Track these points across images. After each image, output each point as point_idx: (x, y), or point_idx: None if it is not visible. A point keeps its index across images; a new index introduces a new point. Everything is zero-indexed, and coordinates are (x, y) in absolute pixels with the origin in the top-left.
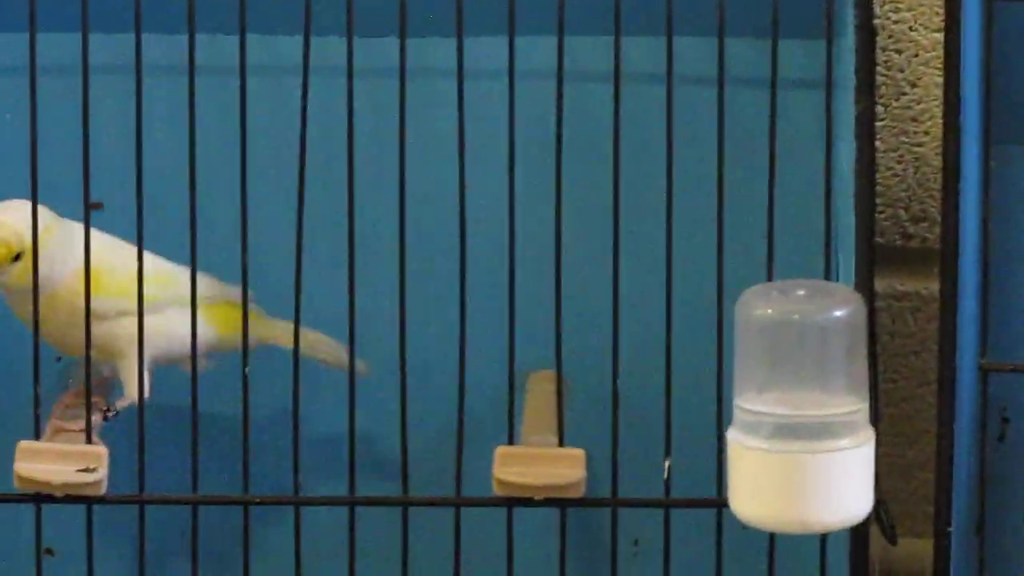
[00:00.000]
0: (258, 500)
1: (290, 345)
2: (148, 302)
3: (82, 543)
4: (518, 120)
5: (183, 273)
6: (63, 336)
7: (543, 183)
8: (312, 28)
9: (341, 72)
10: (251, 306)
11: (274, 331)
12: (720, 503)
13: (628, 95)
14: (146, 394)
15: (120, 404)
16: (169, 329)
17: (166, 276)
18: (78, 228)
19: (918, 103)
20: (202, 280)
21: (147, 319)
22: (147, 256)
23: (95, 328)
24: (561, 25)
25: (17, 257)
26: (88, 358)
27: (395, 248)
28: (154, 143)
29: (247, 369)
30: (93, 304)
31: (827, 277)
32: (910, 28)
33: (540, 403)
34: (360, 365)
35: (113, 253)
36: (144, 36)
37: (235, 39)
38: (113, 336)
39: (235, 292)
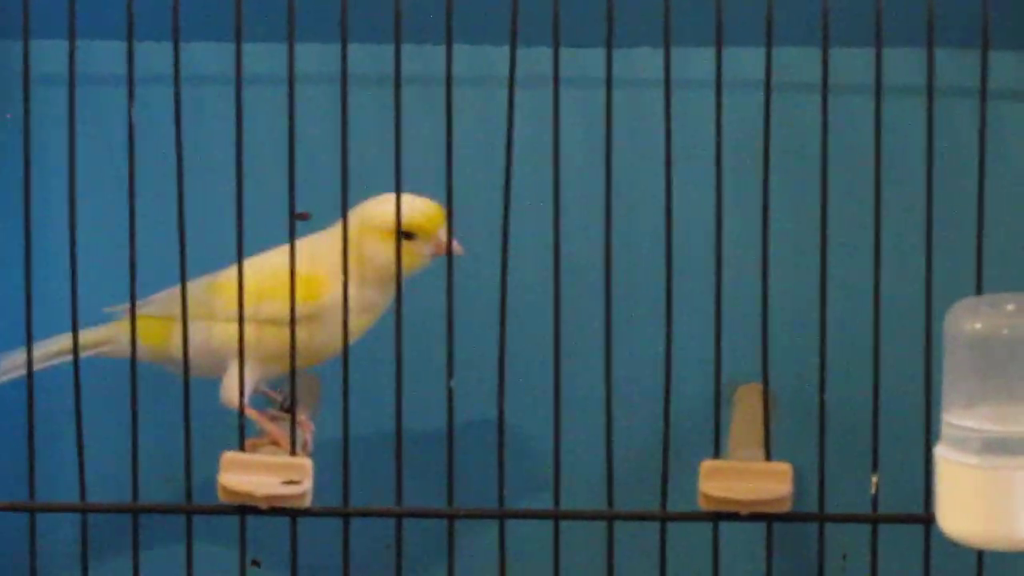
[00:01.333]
0: (463, 513)
1: None
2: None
3: (286, 555)
4: (728, 130)
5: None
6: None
7: (750, 193)
8: (520, 38)
9: (549, 82)
10: None
11: None
12: (928, 519)
13: (837, 105)
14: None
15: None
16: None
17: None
18: None
19: None
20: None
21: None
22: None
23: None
24: (769, 35)
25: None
26: (293, 370)
27: (599, 260)
28: (360, 153)
29: (452, 383)
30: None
31: None
32: None
33: (747, 417)
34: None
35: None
36: (352, 46)
37: (442, 49)
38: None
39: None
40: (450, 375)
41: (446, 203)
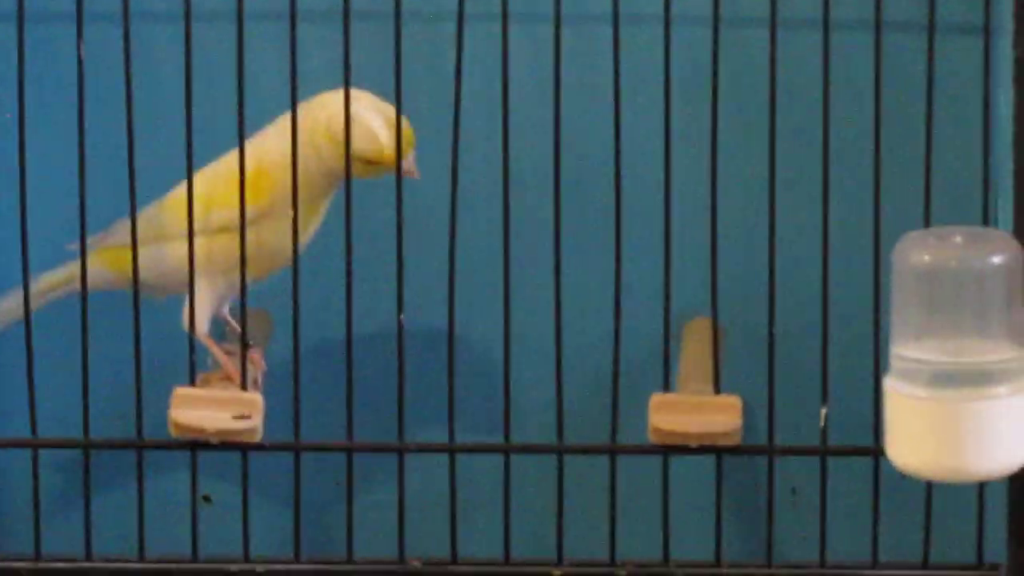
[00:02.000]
0: (413, 447)
1: None
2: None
3: (238, 491)
4: (678, 66)
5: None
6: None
7: (700, 129)
8: None
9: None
10: None
11: None
12: (877, 451)
13: (787, 40)
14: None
15: None
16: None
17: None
18: None
19: None
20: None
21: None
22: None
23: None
24: None
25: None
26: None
27: (550, 193)
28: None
29: (402, 316)
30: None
31: (985, 223)
32: None
33: (697, 351)
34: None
35: None
36: None
37: None
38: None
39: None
40: (400, 310)
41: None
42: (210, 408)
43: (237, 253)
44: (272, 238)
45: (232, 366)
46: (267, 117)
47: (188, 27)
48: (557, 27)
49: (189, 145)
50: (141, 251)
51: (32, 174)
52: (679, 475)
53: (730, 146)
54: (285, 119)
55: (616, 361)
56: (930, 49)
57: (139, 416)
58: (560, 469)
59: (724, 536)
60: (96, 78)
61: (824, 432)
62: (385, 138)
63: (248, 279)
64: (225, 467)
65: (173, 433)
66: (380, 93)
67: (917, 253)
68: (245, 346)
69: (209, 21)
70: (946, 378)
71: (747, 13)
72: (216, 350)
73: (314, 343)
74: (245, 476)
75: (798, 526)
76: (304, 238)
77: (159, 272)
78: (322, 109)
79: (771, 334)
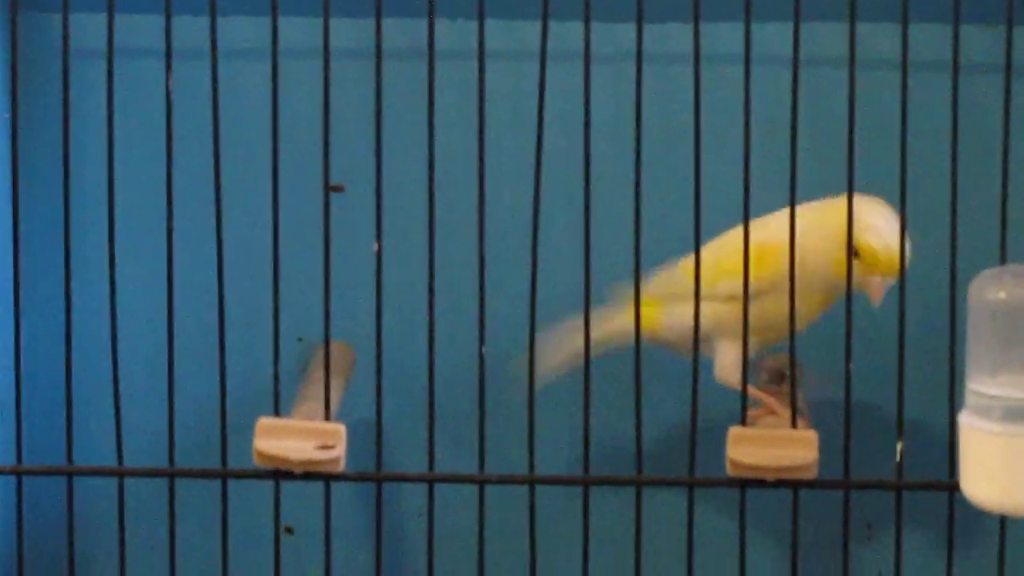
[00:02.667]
0: (495, 479)
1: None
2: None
3: (320, 522)
4: (757, 105)
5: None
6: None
7: (775, 168)
8: (552, 12)
9: (580, 56)
10: None
11: None
12: (952, 486)
13: (863, 79)
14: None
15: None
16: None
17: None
18: None
19: None
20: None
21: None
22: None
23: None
24: (797, 12)
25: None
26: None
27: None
28: (394, 127)
29: (484, 349)
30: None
31: None
32: None
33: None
34: None
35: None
36: (385, 21)
37: (474, 23)
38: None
39: None
40: (482, 342)
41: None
42: (294, 438)
43: (753, 320)
44: (774, 314)
45: (776, 403)
46: (353, 158)
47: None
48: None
49: (275, 195)
50: (662, 308)
51: None
52: (754, 510)
53: (804, 185)
54: (806, 214)
55: (695, 395)
56: (1007, 88)
57: (224, 445)
58: (639, 502)
59: (799, 571)
60: (182, 117)
61: (900, 467)
62: (892, 248)
63: (756, 347)
64: (309, 497)
65: (257, 463)
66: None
67: (993, 289)
68: (793, 379)
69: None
70: (1020, 414)
71: (823, 53)
72: (758, 392)
73: (395, 373)
74: (328, 506)
75: (873, 562)
76: (802, 324)
77: (675, 331)
78: (836, 215)
79: (848, 369)
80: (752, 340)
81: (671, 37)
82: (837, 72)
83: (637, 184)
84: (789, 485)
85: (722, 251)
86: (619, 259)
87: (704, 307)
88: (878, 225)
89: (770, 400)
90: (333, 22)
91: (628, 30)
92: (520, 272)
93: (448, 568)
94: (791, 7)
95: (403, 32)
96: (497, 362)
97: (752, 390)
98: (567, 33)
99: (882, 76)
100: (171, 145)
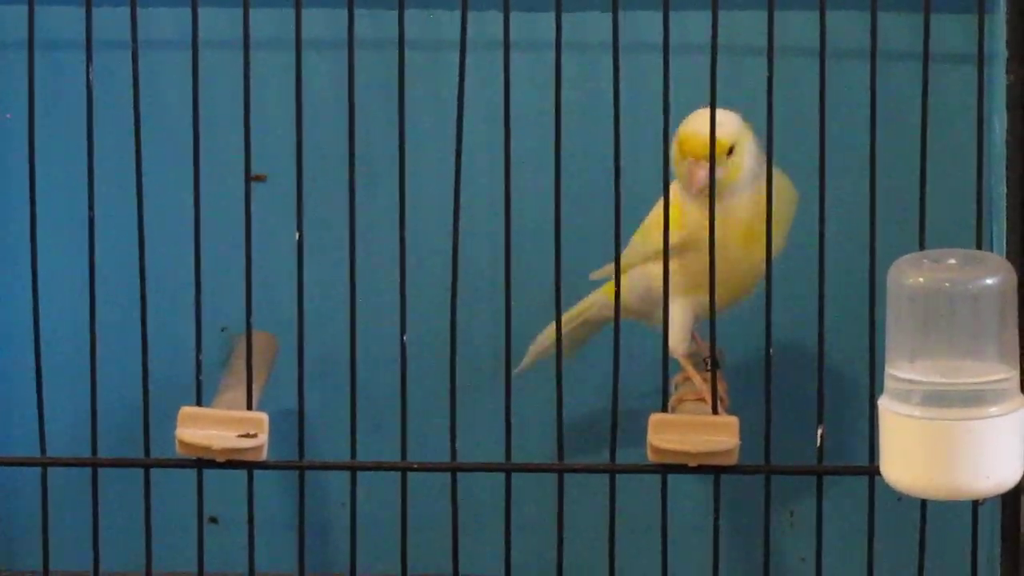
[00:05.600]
0: (416, 466)
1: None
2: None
3: (244, 511)
4: (679, 92)
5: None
6: (737, 257)
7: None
8: (470, 3)
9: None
10: None
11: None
12: (872, 471)
13: (785, 66)
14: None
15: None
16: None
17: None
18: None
19: None
20: None
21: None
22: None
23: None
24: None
25: (731, 151)
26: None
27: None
28: (315, 116)
29: (405, 338)
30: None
31: (979, 247)
32: None
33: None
34: None
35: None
36: (305, 11)
37: (394, 14)
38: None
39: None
40: (403, 331)
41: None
42: (217, 427)
43: (700, 274)
44: (702, 266)
45: (705, 386)
46: (274, 148)
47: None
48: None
49: (196, 185)
50: (625, 278)
51: None
52: (678, 495)
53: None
54: None
55: (616, 382)
56: (925, 76)
57: (146, 434)
58: (560, 488)
59: (722, 556)
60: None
61: (820, 452)
62: (697, 133)
63: (699, 308)
64: (230, 486)
65: (179, 452)
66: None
67: (912, 275)
68: (714, 365)
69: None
70: (939, 398)
71: (744, 41)
72: (692, 371)
73: (318, 362)
74: (251, 494)
75: (796, 548)
76: (744, 281)
77: (635, 294)
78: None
79: (768, 354)
80: (691, 300)
81: (591, 26)
82: (757, 59)
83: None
84: (710, 471)
85: (654, 214)
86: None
87: (651, 267)
88: (694, 118)
89: (699, 381)
90: (253, 12)
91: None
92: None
93: (372, 555)
94: None
95: (322, 21)
96: (426, 348)
97: (690, 369)
98: (486, 21)
99: (802, 63)
100: (92, 136)
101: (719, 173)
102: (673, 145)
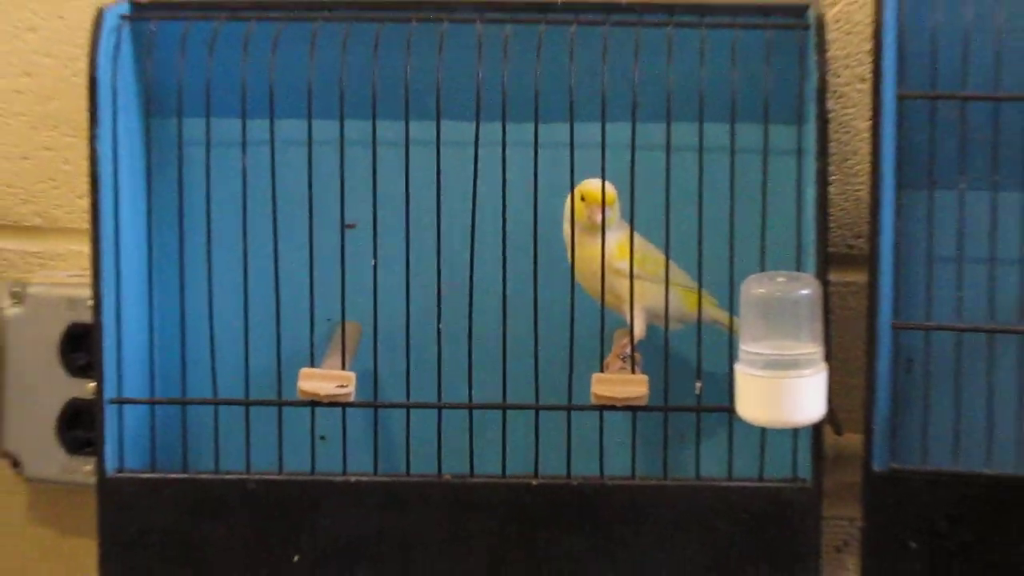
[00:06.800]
0: (445, 405)
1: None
2: (650, 275)
3: (340, 433)
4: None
5: (670, 263)
6: (598, 283)
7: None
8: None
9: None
10: (706, 294)
11: (719, 315)
12: (731, 410)
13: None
14: (641, 335)
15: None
16: (659, 297)
17: (659, 262)
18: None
19: (856, 165)
20: (684, 273)
21: (647, 285)
22: (651, 246)
23: (615, 281)
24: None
25: (611, 206)
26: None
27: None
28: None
29: (441, 325)
30: (619, 265)
31: (798, 269)
32: (851, 118)
33: (620, 347)
34: None
35: (637, 239)
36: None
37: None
38: (623, 290)
39: (695, 284)
40: (438, 319)
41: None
42: (323, 381)
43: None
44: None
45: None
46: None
47: None
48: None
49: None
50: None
51: None
52: (611, 426)
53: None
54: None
55: (572, 345)
56: (764, 165)
57: (279, 384)
58: (537, 423)
59: (637, 464)
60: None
61: (699, 398)
62: (593, 188)
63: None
64: (333, 417)
65: (300, 396)
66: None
67: (756, 286)
68: (633, 347)
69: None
70: (773, 364)
71: (619, 139)
72: (621, 348)
73: (386, 341)
74: (344, 423)
75: (683, 457)
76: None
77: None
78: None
79: (666, 336)
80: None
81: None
82: (646, 153)
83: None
84: (631, 409)
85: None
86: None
87: (626, 282)
88: (588, 182)
89: (624, 351)
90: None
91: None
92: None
93: (420, 464)
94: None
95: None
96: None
97: (623, 345)
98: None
99: (683, 158)
100: (246, 201)
101: (608, 214)
102: (574, 201)
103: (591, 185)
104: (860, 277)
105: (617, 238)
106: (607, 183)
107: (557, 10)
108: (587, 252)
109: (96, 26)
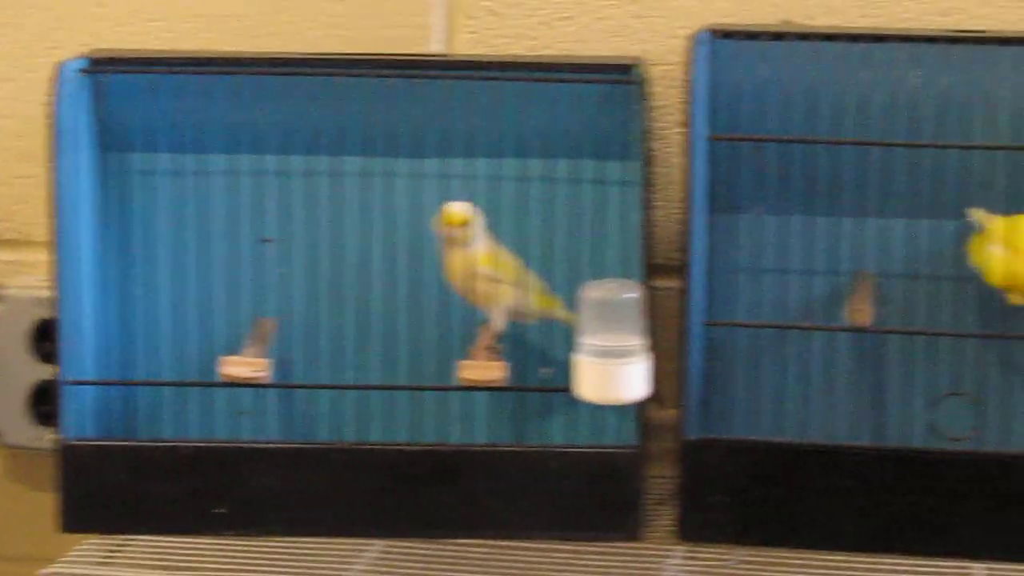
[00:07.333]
0: (352, 386)
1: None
2: (508, 279)
3: (257, 407)
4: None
5: (526, 270)
6: (465, 286)
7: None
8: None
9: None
10: (554, 297)
11: (564, 314)
12: (568, 390)
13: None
14: (500, 329)
15: (492, 334)
16: (515, 298)
17: (519, 272)
18: (485, 232)
19: (676, 193)
20: (536, 279)
21: (507, 289)
22: (509, 256)
23: (478, 284)
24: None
25: (465, 224)
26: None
27: None
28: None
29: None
30: (482, 271)
31: (627, 278)
32: (672, 155)
33: (483, 339)
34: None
35: (502, 250)
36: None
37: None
38: (485, 291)
39: (546, 288)
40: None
41: None
42: (241, 366)
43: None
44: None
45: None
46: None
47: None
48: None
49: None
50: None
51: None
52: (478, 403)
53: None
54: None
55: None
56: (602, 191)
57: (207, 368)
58: (417, 401)
59: (498, 432)
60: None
61: (547, 381)
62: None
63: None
64: (251, 396)
65: (223, 379)
66: None
67: (592, 291)
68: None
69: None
70: (606, 352)
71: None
72: (487, 339)
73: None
74: (259, 400)
75: (536, 428)
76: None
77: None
78: None
79: (525, 329)
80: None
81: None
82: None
83: None
84: (491, 390)
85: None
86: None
87: (487, 285)
88: (449, 205)
89: (487, 342)
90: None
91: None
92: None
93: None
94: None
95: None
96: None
97: (486, 338)
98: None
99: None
100: (181, 222)
101: (458, 232)
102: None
103: (448, 208)
104: (677, 283)
105: (481, 249)
106: (464, 206)
107: (436, 67)
108: (452, 260)
109: (56, 78)
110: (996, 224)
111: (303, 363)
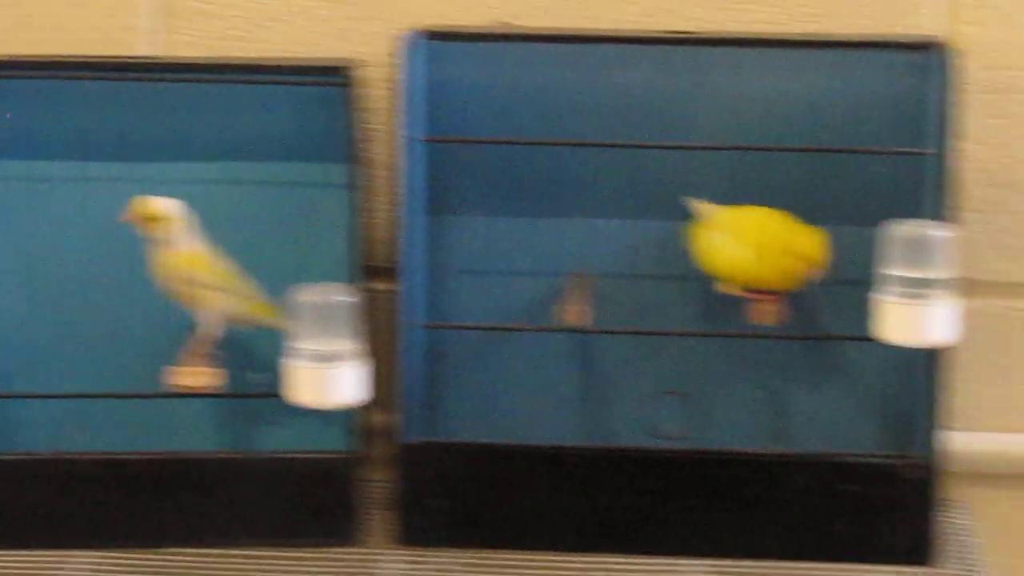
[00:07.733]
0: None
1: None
2: (219, 285)
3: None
4: None
5: (240, 278)
6: (169, 287)
7: None
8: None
9: None
10: (265, 303)
11: (276, 320)
12: (278, 395)
13: None
14: (210, 333)
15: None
16: (225, 302)
17: (230, 277)
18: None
19: (389, 198)
20: (248, 284)
21: (216, 293)
22: (221, 260)
23: (186, 287)
24: None
25: (155, 219)
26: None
27: None
28: None
29: None
30: (188, 274)
31: (346, 282)
32: (380, 157)
33: (194, 344)
34: None
35: (211, 252)
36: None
37: None
38: (199, 296)
39: (257, 294)
40: None
41: None
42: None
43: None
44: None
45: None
46: None
47: None
48: None
49: None
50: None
51: None
52: (196, 411)
53: None
54: None
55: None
56: (321, 193)
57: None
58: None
59: (219, 439)
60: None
61: (258, 386)
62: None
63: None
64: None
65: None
66: None
67: (303, 295)
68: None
69: None
70: (319, 357)
71: None
72: (199, 347)
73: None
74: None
75: (258, 434)
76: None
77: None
78: None
79: (233, 336)
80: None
81: None
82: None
83: None
84: (202, 396)
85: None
86: None
87: (194, 289)
88: (141, 200)
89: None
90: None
91: None
92: None
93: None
94: None
95: None
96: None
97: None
98: None
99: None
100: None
101: (154, 229)
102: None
103: (136, 200)
104: (395, 286)
105: (185, 250)
106: (163, 202)
107: (142, 69)
108: (156, 260)
109: None
110: (720, 213)
111: (18, 372)
